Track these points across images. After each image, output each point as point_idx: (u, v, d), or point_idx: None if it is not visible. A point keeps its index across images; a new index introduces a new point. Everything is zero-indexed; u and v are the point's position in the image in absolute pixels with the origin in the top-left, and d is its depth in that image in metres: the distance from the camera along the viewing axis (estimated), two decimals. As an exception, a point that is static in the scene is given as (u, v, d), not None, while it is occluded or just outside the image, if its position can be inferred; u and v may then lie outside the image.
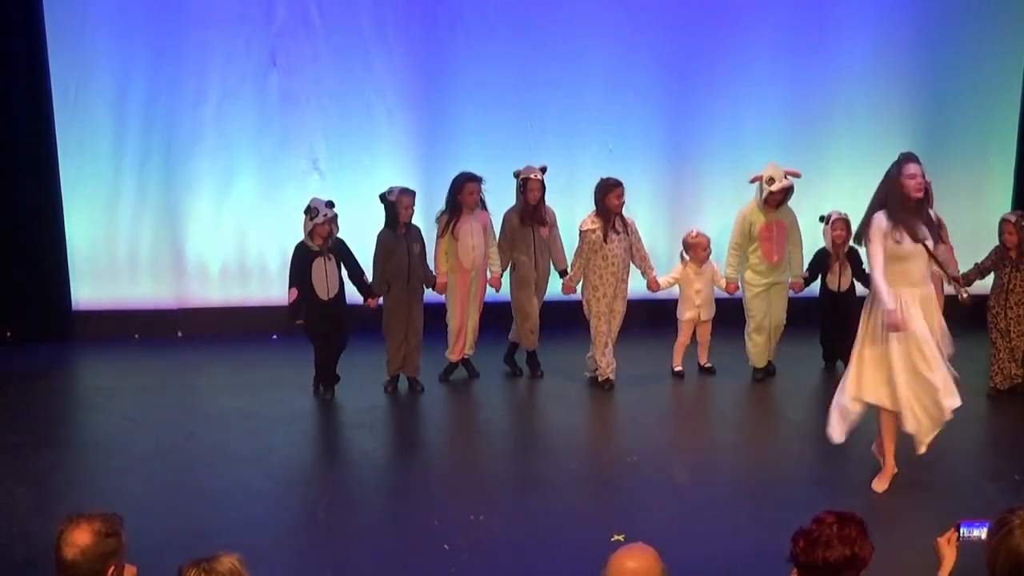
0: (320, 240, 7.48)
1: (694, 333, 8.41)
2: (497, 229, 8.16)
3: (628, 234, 7.91)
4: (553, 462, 6.55)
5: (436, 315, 8.22)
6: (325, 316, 7.58)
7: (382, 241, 7.77)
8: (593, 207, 7.87)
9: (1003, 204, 10.07)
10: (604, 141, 9.65)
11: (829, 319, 8.36)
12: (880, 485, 6.12)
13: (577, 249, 7.98)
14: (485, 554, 5.39)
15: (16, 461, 6.64)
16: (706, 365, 8.45)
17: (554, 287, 8.33)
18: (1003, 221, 7.81)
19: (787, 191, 7.95)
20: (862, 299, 8.23)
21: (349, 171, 9.44)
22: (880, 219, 5.79)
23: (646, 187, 9.59)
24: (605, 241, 7.79)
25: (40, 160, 9.27)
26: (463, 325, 8.14)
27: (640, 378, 8.28)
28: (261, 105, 9.51)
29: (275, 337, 9.11)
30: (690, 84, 9.70)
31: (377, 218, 7.97)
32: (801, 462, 6.81)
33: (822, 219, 8.23)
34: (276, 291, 8.71)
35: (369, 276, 7.78)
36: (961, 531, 3.49)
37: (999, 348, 7.83)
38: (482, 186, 7.98)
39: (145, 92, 9.41)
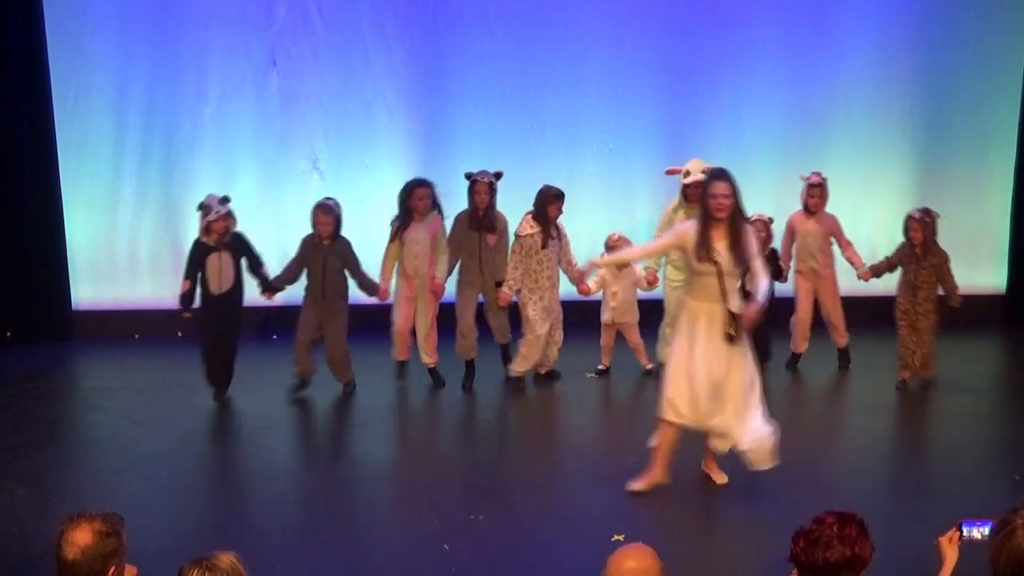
0: (216, 236, 7.46)
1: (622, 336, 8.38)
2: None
3: (560, 240, 7.92)
4: (553, 462, 6.55)
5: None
6: (216, 310, 7.56)
7: (304, 243, 7.80)
8: (538, 210, 7.84)
9: (1003, 204, 10.09)
10: (604, 141, 9.66)
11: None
12: (638, 484, 6.11)
13: (512, 254, 7.94)
14: (485, 554, 5.38)
15: (16, 461, 6.64)
16: (647, 367, 8.35)
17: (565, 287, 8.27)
18: (908, 218, 7.88)
19: (703, 186, 7.82)
20: (779, 299, 8.34)
21: (349, 171, 9.45)
22: (687, 231, 5.88)
23: (646, 187, 9.59)
24: (544, 247, 7.81)
25: (40, 160, 9.27)
26: (403, 330, 8.07)
27: (640, 378, 8.29)
28: (261, 105, 9.52)
29: (275, 337, 9.11)
30: (690, 84, 9.71)
31: (377, 218, 7.98)
32: (801, 462, 6.81)
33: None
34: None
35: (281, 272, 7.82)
36: (963, 530, 3.49)
37: (908, 343, 7.89)
38: (435, 191, 7.93)
39: (145, 92, 9.42)
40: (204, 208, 7.47)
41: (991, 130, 9.96)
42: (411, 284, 7.98)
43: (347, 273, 7.84)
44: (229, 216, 7.51)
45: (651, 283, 8.12)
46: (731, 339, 5.78)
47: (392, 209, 8.04)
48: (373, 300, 8.08)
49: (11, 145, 9.20)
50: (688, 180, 7.72)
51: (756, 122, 9.71)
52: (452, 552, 5.35)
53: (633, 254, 6.49)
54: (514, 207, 8.12)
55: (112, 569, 3.17)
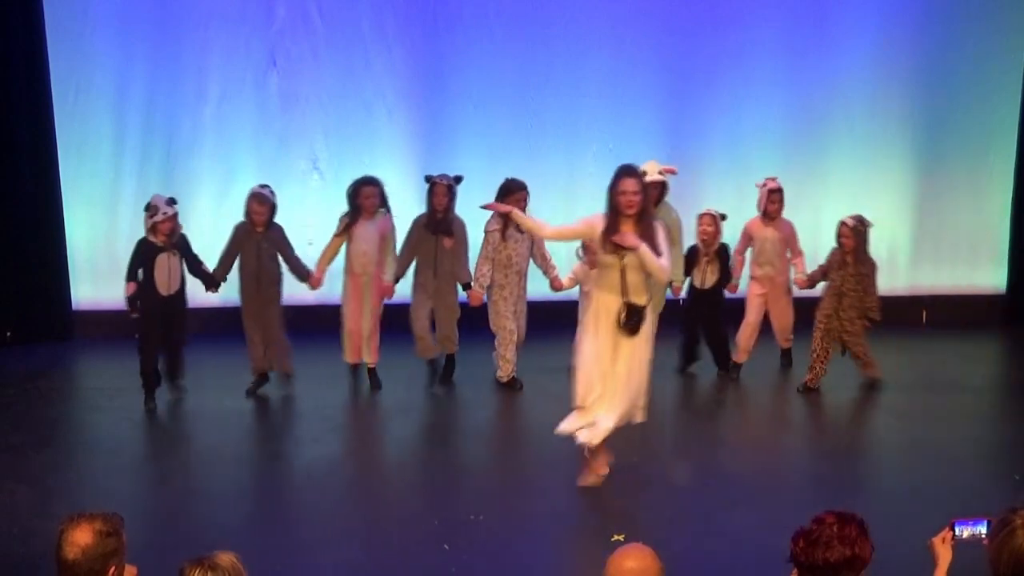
0: (163, 237, 7.45)
1: None
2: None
3: (528, 234, 7.84)
4: (553, 462, 6.55)
5: (398, 316, 8.24)
6: (163, 311, 7.55)
7: (236, 232, 7.82)
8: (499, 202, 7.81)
9: (1003, 204, 10.09)
10: (604, 141, 9.65)
11: (689, 314, 8.33)
12: (586, 480, 6.17)
13: (480, 250, 7.97)
14: (485, 554, 5.38)
15: (16, 461, 6.64)
16: None
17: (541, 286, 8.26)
18: (841, 224, 7.84)
19: (658, 187, 7.73)
20: (730, 299, 8.35)
21: (349, 171, 9.40)
22: (596, 222, 5.93)
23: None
24: (503, 239, 7.81)
25: (40, 160, 9.27)
26: (355, 329, 8.07)
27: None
28: (261, 105, 9.52)
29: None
30: (690, 84, 9.71)
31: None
32: (801, 462, 6.82)
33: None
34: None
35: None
36: (955, 530, 3.49)
37: (820, 347, 7.90)
38: (383, 189, 7.92)
39: (145, 92, 9.42)
40: (151, 209, 7.45)
41: (991, 130, 9.96)
42: (358, 282, 7.99)
43: (280, 260, 7.86)
44: (176, 218, 7.50)
45: None
46: (624, 330, 5.87)
47: (393, 209, 8.05)
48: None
49: (11, 145, 9.19)
50: (644, 180, 7.70)
51: (756, 122, 9.71)
52: (452, 552, 5.35)
53: (544, 228, 6.46)
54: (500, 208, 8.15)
55: (112, 569, 3.17)
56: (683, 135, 9.73)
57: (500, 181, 8.05)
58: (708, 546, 5.40)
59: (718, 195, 9.40)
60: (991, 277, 10.20)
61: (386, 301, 8.15)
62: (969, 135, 9.92)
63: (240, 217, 7.89)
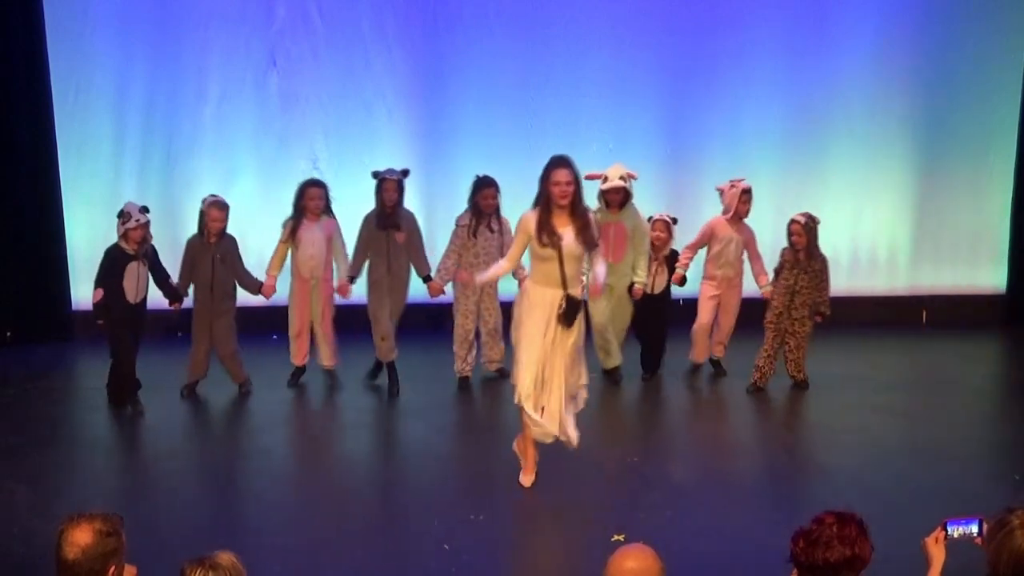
0: (135, 245, 7.43)
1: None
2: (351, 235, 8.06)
3: (502, 234, 7.87)
4: (552, 462, 6.54)
5: (348, 318, 8.27)
6: (130, 318, 7.53)
7: (189, 246, 7.79)
8: (470, 200, 7.88)
9: (1003, 204, 10.10)
10: (604, 141, 9.65)
11: (638, 319, 8.28)
12: (526, 479, 6.19)
13: (448, 243, 7.98)
14: (485, 554, 5.38)
15: (16, 461, 6.63)
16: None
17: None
18: (791, 222, 7.86)
19: (620, 192, 7.72)
20: (675, 301, 8.33)
21: (349, 171, 9.43)
22: (529, 218, 5.95)
23: (646, 187, 9.57)
24: (474, 236, 7.80)
25: (40, 160, 9.27)
26: (301, 331, 8.08)
27: (639, 377, 8.29)
28: (261, 105, 9.52)
29: (275, 337, 9.09)
30: (690, 84, 9.71)
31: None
32: (801, 462, 6.81)
33: (649, 220, 8.14)
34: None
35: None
36: (948, 530, 3.49)
37: (769, 348, 7.93)
38: (328, 193, 7.94)
39: (145, 92, 9.42)
40: (123, 216, 7.42)
41: (991, 130, 9.96)
42: (305, 286, 8.00)
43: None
44: (147, 226, 7.47)
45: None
46: (564, 322, 5.88)
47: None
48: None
49: (11, 145, 9.20)
50: (607, 186, 7.70)
51: (756, 122, 9.72)
52: (452, 552, 5.35)
53: (502, 267, 6.44)
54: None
55: (112, 569, 3.17)
56: (683, 135, 9.74)
57: (500, 180, 8.07)
58: (708, 546, 5.39)
59: (718, 194, 9.41)
60: (991, 277, 10.21)
61: (343, 301, 8.16)
62: (969, 135, 9.92)
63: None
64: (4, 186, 9.18)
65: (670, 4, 9.68)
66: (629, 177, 7.76)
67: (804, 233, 7.75)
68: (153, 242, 7.62)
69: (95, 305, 7.53)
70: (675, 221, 8.23)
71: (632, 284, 8.00)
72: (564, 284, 5.88)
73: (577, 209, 5.92)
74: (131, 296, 7.48)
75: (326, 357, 8.19)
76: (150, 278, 7.63)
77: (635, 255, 7.96)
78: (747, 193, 8.13)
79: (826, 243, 8.20)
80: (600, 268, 6.14)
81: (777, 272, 7.97)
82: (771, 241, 8.42)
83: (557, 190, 5.87)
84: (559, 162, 5.96)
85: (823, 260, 7.89)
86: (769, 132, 9.74)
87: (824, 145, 9.83)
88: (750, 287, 8.33)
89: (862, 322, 9.78)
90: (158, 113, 9.45)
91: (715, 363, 8.50)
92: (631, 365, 8.32)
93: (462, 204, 8.05)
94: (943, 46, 9.76)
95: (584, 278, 6.20)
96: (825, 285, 7.89)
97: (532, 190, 7.90)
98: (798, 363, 8.01)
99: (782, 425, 7.62)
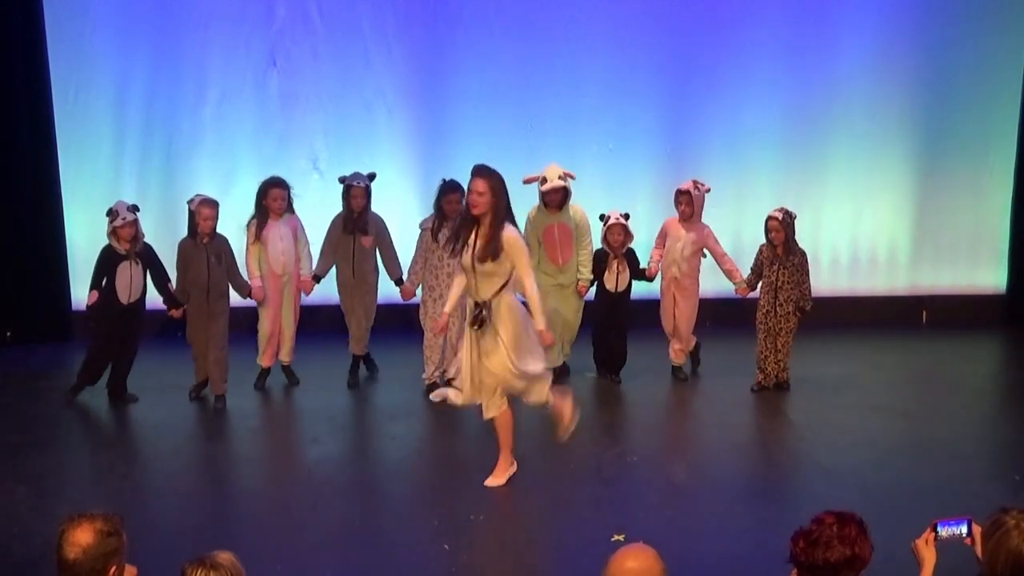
0: (125, 244, 7.41)
1: None
2: (319, 233, 8.11)
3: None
4: (552, 462, 6.55)
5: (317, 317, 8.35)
6: (122, 320, 7.51)
7: (181, 249, 7.70)
8: (435, 204, 7.86)
9: (1003, 204, 10.10)
10: (604, 141, 9.66)
11: (602, 319, 8.27)
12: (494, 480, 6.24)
13: (415, 248, 8.00)
14: (485, 554, 5.38)
15: (16, 461, 6.63)
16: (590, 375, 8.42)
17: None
18: (769, 219, 7.84)
19: (560, 192, 7.69)
20: (637, 301, 8.30)
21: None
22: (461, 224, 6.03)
23: (646, 187, 9.60)
24: (435, 239, 7.77)
25: (40, 160, 9.28)
26: (274, 331, 8.07)
27: (640, 377, 8.29)
28: (261, 105, 9.53)
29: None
30: (690, 84, 9.71)
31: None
32: (801, 462, 6.81)
33: (601, 218, 8.11)
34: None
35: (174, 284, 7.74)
36: (938, 530, 3.49)
37: (764, 348, 7.94)
38: (290, 193, 7.94)
39: (145, 92, 9.43)
40: (112, 214, 7.40)
41: (991, 130, 9.96)
42: (278, 283, 7.99)
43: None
44: (136, 224, 7.44)
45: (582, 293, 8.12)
46: (476, 326, 5.93)
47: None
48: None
49: (11, 145, 9.20)
50: (545, 187, 7.67)
51: (756, 122, 9.71)
52: (452, 552, 5.34)
53: (458, 284, 6.42)
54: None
55: (113, 569, 3.17)
56: (683, 135, 9.74)
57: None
58: (708, 546, 5.39)
59: (718, 195, 9.39)
60: (991, 277, 10.21)
61: (305, 298, 8.19)
62: (969, 135, 9.92)
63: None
64: (4, 186, 9.19)
65: (670, 4, 9.68)
66: (567, 176, 7.73)
67: (782, 228, 7.76)
68: (148, 241, 7.61)
69: (89, 307, 7.53)
70: (627, 217, 8.14)
71: (577, 281, 8.01)
72: (475, 291, 5.97)
73: (492, 219, 5.85)
74: (124, 297, 7.46)
75: (286, 353, 8.19)
76: (148, 280, 7.61)
77: (579, 252, 7.96)
78: (680, 194, 8.04)
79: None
80: (531, 291, 5.98)
81: (755, 270, 7.97)
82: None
83: (469, 198, 5.91)
84: (476, 172, 5.89)
85: (802, 254, 7.90)
86: (769, 132, 9.74)
87: (824, 145, 9.83)
88: (727, 286, 8.28)
89: (862, 322, 9.79)
90: (158, 113, 9.46)
91: (676, 369, 8.42)
92: (632, 365, 8.31)
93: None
94: (943, 46, 9.76)
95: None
96: (806, 279, 7.89)
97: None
98: (782, 363, 8.01)
99: (782, 425, 7.62)
